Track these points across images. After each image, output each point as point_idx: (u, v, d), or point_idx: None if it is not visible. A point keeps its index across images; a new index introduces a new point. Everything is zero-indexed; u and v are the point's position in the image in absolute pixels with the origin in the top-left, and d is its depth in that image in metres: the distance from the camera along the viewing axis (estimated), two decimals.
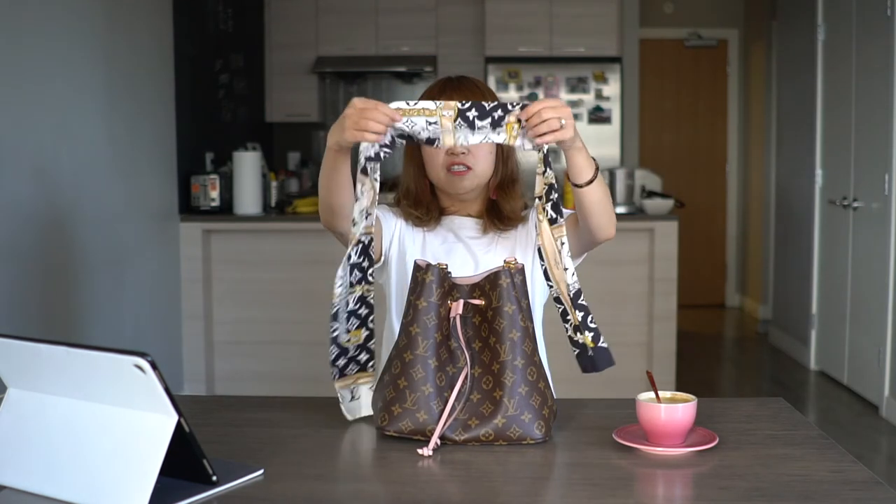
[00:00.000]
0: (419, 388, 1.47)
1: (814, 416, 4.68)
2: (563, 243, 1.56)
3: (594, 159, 1.64)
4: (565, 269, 1.56)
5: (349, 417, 1.62)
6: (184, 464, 1.26)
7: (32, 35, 3.35)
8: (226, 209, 4.77)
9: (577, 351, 1.57)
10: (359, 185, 1.54)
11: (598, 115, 6.64)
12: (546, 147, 1.53)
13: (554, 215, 1.56)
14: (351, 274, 1.58)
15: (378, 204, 1.65)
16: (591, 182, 1.63)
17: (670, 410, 1.44)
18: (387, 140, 1.54)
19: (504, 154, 1.86)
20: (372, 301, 1.62)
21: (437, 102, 1.53)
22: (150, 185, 4.40)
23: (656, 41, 7.56)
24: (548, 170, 1.54)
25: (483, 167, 1.82)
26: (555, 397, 1.56)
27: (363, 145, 1.52)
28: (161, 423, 1.22)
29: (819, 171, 5.48)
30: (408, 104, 1.53)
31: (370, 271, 1.61)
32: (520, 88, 6.55)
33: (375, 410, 1.52)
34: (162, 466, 1.20)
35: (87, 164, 3.79)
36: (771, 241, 6.67)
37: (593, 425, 1.58)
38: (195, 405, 1.79)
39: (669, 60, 7.71)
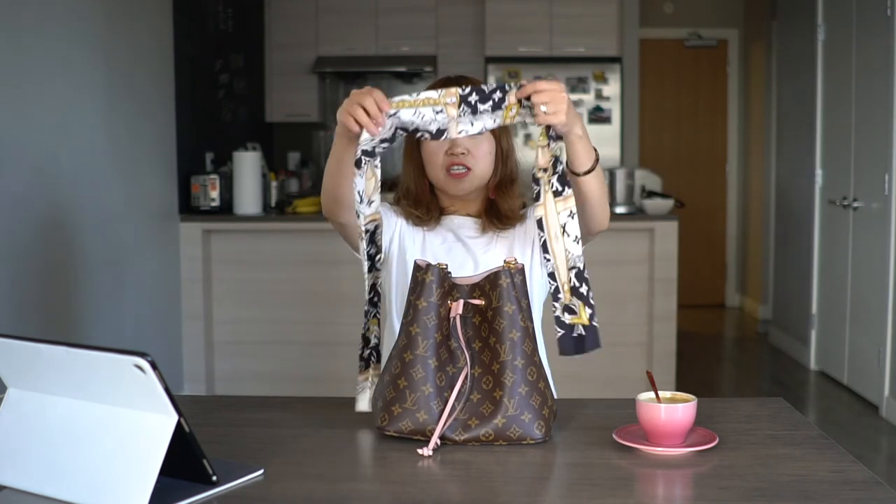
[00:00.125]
0: (419, 388, 1.47)
1: (814, 416, 4.68)
2: (571, 214, 1.54)
3: (595, 150, 1.64)
4: (575, 241, 1.54)
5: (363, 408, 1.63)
6: (184, 464, 1.26)
7: (32, 35, 3.35)
8: (226, 209, 4.77)
9: (562, 332, 1.53)
10: (355, 177, 1.56)
11: (598, 115, 6.64)
12: (564, 123, 1.52)
13: (559, 187, 1.54)
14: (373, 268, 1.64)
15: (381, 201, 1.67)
16: (589, 172, 1.62)
17: (670, 410, 1.44)
18: (387, 134, 1.54)
19: (503, 154, 1.86)
20: (380, 289, 1.67)
21: (439, 91, 1.54)
22: (150, 185, 4.40)
23: (656, 41, 7.56)
24: (552, 142, 1.53)
25: (482, 167, 1.82)
26: (555, 397, 1.56)
27: (363, 137, 1.53)
28: (161, 423, 1.22)
29: (819, 171, 5.48)
30: (411, 96, 1.54)
31: (378, 258, 1.64)
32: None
33: (375, 410, 1.52)
34: (162, 466, 1.20)
35: (87, 164, 3.79)
36: (771, 241, 6.67)
37: (593, 425, 1.58)
38: (195, 405, 1.79)
39: (669, 60, 7.71)
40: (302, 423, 1.60)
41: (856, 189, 4.94)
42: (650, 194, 4.85)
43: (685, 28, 7.69)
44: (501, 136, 1.86)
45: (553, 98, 1.49)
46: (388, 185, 2.05)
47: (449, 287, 1.53)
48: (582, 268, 1.54)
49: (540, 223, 1.55)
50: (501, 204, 1.86)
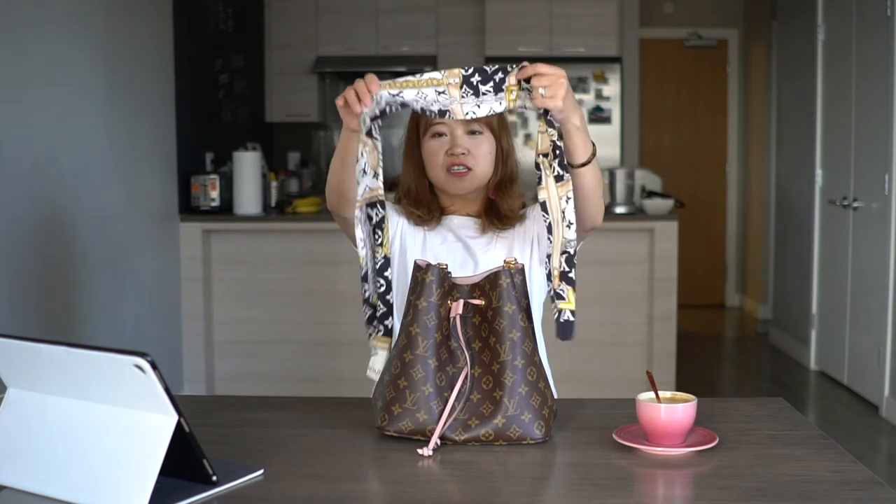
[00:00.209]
0: (419, 388, 1.47)
1: (814, 416, 4.68)
2: (568, 199, 1.55)
3: (593, 144, 1.64)
4: (568, 226, 1.55)
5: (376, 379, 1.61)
6: (184, 464, 1.26)
7: (32, 35, 3.35)
8: (226, 209, 4.77)
9: (556, 314, 1.55)
10: (360, 146, 1.57)
11: (598, 115, 6.64)
12: (563, 110, 1.52)
13: (560, 172, 1.55)
14: (374, 234, 1.61)
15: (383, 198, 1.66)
16: (585, 164, 1.62)
17: (670, 410, 1.44)
18: (377, 110, 1.55)
19: (503, 154, 1.86)
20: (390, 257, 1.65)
21: (443, 72, 1.55)
22: (150, 185, 4.40)
23: (656, 41, 7.56)
24: (550, 128, 1.54)
25: (483, 167, 1.82)
26: (555, 397, 1.56)
27: (363, 115, 1.55)
28: (161, 423, 1.22)
29: (819, 171, 5.48)
30: (415, 77, 1.55)
31: (383, 228, 1.61)
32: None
33: (375, 410, 1.52)
34: (162, 466, 1.20)
35: (87, 164, 3.79)
36: (771, 241, 6.67)
37: (593, 425, 1.58)
38: (195, 405, 1.79)
39: (669, 60, 7.71)
40: (302, 423, 1.60)
41: (856, 189, 4.94)
42: (650, 194, 4.85)
43: (685, 28, 7.69)
44: (502, 135, 1.86)
45: (552, 82, 1.50)
46: (388, 185, 2.05)
47: (449, 287, 1.53)
48: (572, 253, 1.56)
49: (544, 206, 1.56)
50: (501, 204, 1.86)
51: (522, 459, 1.42)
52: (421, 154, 1.86)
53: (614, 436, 1.48)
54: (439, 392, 1.48)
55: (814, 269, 5.54)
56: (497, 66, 1.54)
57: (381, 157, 1.59)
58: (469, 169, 1.81)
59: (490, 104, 1.54)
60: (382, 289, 1.62)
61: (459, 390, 1.48)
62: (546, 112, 1.53)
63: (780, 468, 1.37)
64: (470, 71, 1.54)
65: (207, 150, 5.12)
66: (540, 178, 1.56)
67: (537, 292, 1.84)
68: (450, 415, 1.47)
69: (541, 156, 1.55)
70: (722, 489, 1.30)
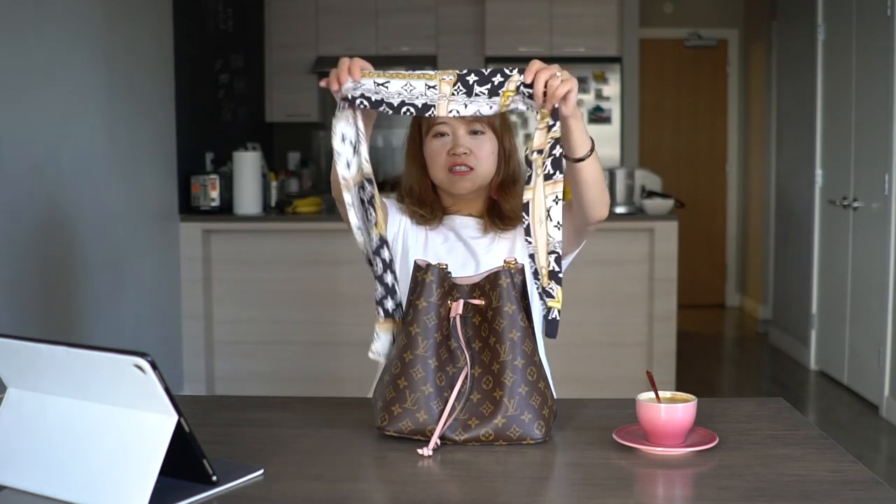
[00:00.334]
0: (419, 388, 1.47)
1: (814, 416, 4.68)
2: (556, 199, 1.53)
3: (591, 138, 1.64)
4: (556, 226, 1.53)
5: (377, 360, 1.59)
6: (184, 464, 1.26)
7: (32, 35, 3.35)
8: (226, 209, 4.77)
9: (546, 312, 1.55)
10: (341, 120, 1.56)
11: (598, 115, 6.64)
12: (556, 105, 1.50)
13: (552, 170, 1.52)
14: (366, 216, 1.58)
15: (386, 196, 1.66)
16: (587, 156, 1.62)
17: (670, 410, 1.44)
18: (359, 91, 1.54)
19: (506, 154, 1.86)
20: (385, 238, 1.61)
21: (437, 70, 1.54)
22: (150, 185, 4.40)
23: (656, 41, 7.56)
24: (556, 125, 1.51)
25: (485, 167, 1.83)
26: (555, 397, 1.56)
27: (346, 87, 1.55)
28: (161, 423, 1.22)
29: (819, 171, 5.48)
30: (407, 70, 1.54)
31: (377, 201, 1.58)
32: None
33: (375, 410, 1.52)
34: (162, 466, 1.20)
35: (87, 164, 3.79)
36: (771, 241, 6.67)
37: (593, 425, 1.58)
38: (195, 405, 1.79)
39: (669, 60, 7.71)
40: (302, 423, 1.60)
41: (856, 189, 4.94)
42: (650, 194, 4.85)
43: (685, 28, 7.69)
44: (504, 135, 1.86)
45: (564, 76, 1.50)
46: (389, 185, 2.05)
47: (449, 287, 1.53)
48: (560, 253, 1.55)
49: (526, 207, 1.54)
50: (504, 204, 1.86)
51: (522, 459, 1.42)
52: (423, 154, 1.86)
53: (614, 436, 1.48)
54: (439, 392, 1.48)
55: (814, 269, 5.54)
56: (495, 69, 1.52)
57: (361, 134, 1.56)
58: (471, 168, 1.81)
59: (479, 106, 1.52)
60: (379, 270, 1.59)
61: (459, 390, 1.49)
62: (557, 109, 1.50)
63: (780, 468, 1.37)
64: (465, 71, 1.53)
65: (207, 150, 5.12)
66: (530, 178, 1.53)
67: (538, 292, 1.84)
68: (450, 415, 1.47)
69: (535, 152, 1.52)
70: (722, 489, 1.30)
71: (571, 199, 1.73)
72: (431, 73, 1.53)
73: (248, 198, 4.72)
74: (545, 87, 1.50)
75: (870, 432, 4.34)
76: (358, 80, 1.54)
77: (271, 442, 1.50)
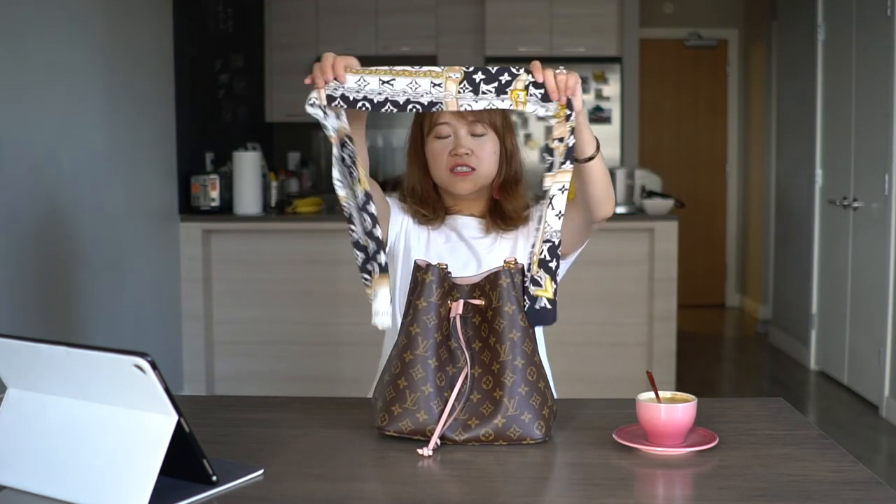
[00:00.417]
0: (419, 388, 1.47)
1: (814, 416, 4.68)
2: (563, 189, 1.51)
3: (596, 137, 1.64)
4: (558, 215, 1.52)
5: (384, 324, 1.54)
6: (184, 464, 1.26)
7: (32, 35, 3.35)
8: (226, 209, 4.77)
9: (528, 304, 1.52)
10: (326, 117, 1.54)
11: (598, 115, 6.63)
12: (577, 102, 1.50)
13: (563, 160, 1.51)
14: (351, 174, 1.56)
15: (389, 195, 1.64)
16: (595, 155, 1.62)
17: (670, 410, 1.44)
18: (361, 97, 1.51)
19: (507, 154, 1.86)
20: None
21: (443, 67, 1.53)
22: (150, 185, 4.40)
23: (656, 41, 7.56)
24: (573, 115, 1.50)
25: (486, 168, 1.82)
26: (555, 397, 1.56)
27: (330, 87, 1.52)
28: (161, 423, 1.22)
29: (819, 171, 5.48)
30: (412, 67, 1.53)
31: (356, 163, 1.57)
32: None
33: (375, 410, 1.52)
34: (162, 466, 1.20)
35: (87, 164, 3.79)
36: (771, 241, 6.67)
37: (593, 425, 1.58)
38: (195, 405, 1.79)
39: (669, 60, 7.71)
40: (302, 423, 1.60)
41: (856, 189, 4.94)
42: (650, 194, 4.85)
43: (685, 28, 7.69)
44: (506, 136, 1.86)
45: (570, 77, 1.50)
46: (391, 185, 2.05)
47: (449, 287, 1.53)
48: (557, 243, 1.52)
49: (545, 194, 1.52)
50: (506, 205, 1.86)
51: (522, 459, 1.42)
52: (425, 154, 1.86)
53: (614, 436, 1.48)
54: (439, 392, 1.48)
55: (814, 269, 5.54)
56: (501, 67, 1.52)
57: (343, 122, 1.55)
58: (473, 169, 1.81)
59: (490, 101, 1.51)
60: (368, 224, 1.56)
61: (459, 390, 1.48)
62: (568, 103, 1.50)
63: (780, 468, 1.37)
64: (472, 68, 1.52)
65: (207, 150, 5.12)
66: (551, 165, 1.52)
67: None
68: (450, 415, 1.47)
69: (556, 140, 1.51)
70: (722, 489, 1.30)
71: (576, 198, 1.73)
72: (437, 69, 1.52)
73: (248, 198, 4.72)
74: (555, 81, 1.49)
75: (870, 432, 4.34)
76: (343, 79, 1.52)
77: (271, 442, 1.50)
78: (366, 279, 1.59)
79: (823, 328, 5.46)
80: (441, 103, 1.52)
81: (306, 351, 4.74)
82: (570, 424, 1.58)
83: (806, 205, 5.67)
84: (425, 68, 1.53)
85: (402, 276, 1.85)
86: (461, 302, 1.51)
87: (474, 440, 1.47)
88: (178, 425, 1.22)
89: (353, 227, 1.59)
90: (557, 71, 1.51)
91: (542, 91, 1.50)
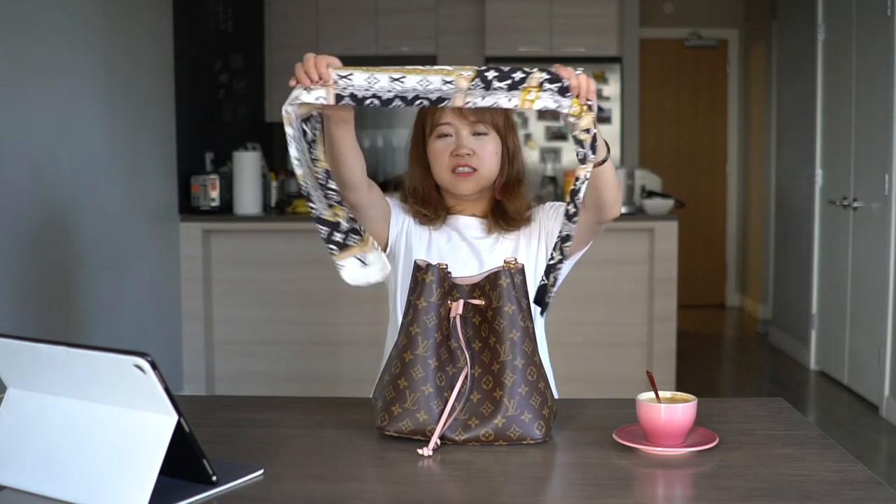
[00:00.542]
0: (419, 388, 1.47)
1: (814, 416, 4.68)
2: (585, 180, 1.52)
3: (605, 141, 1.65)
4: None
5: (359, 282, 1.63)
6: (184, 464, 1.26)
7: (32, 35, 3.35)
8: (226, 209, 4.77)
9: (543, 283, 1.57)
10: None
11: (598, 115, 6.62)
12: (594, 103, 1.52)
13: (588, 152, 1.53)
14: (310, 152, 1.57)
15: (389, 196, 1.65)
16: (607, 159, 1.64)
17: (670, 410, 1.44)
18: (370, 95, 1.52)
19: (509, 155, 1.86)
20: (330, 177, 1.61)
21: (456, 66, 1.53)
22: (150, 186, 4.40)
23: (656, 41, 7.56)
24: (594, 109, 1.53)
25: (488, 168, 1.82)
26: (555, 397, 1.56)
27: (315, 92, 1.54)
28: (161, 423, 1.22)
29: (819, 171, 5.48)
30: (424, 67, 1.54)
31: (316, 135, 1.58)
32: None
33: (375, 410, 1.52)
34: (162, 466, 1.20)
35: (88, 165, 3.79)
36: (771, 241, 6.67)
37: (593, 425, 1.58)
38: (195, 405, 1.79)
39: (669, 60, 7.71)
40: (302, 423, 1.60)
41: (856, 189, 4.94)
42: (650, 194, 4.85)
43: (685, 28, 7.69)
44: (508, 136, 1.86)
45: (585, 83, 1.52)
46: (392, 185, 2.06)
47: (449, 287, 1.53)
48: (562, 238, 1.56)
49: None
50: (508, 205, 1.86)
51: (522, 459, 1.42)
52: (426, 154, 1.86)
53: (614, 436, 1.48)
54: (439, 392, 1.48)
55: (814, 269, 5.54)
56: (514, 67, 1.52)
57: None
58: (474, 170, 1.81)
59: (497, 99, 1.51)
60: (335, 198, 1.59)
61: (459, 390, 1.48)
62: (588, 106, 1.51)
63: (780, 468, 1.37)
64: (484, 67, 1.52)
65: (207, 150, 5.12)
66: (584, 157, 1.52)
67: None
68: (450, 415, 1.47)
69: (583, 131, 1.51)
70: (722, 489, 1.30)
71: (585, 199, 1.73)
72: (449, 68, 1.52)
73: (248, 198, 4.72)
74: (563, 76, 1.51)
75: (870, 432, 4.34)
76: (327, 78, 1.53)
77: (271, 442, 1.50)
78: (331, 249, 1.63)
79: (823, 328, 5.46)
80: (448, 99, 1.52)
81: (306, 351, 4.74)
82: (570, 424, 1.58)
83: (806, 205, 5.67)
84: (437, 67, 1.53)
85: (402, 277, 1.85)
86: (461, 302, 1.51)
87: (474, 440, 1.47)
88: (178, 425, 1.22)
89: (311, 204, 1.60)
90: (577, 72, 1.53)
91: (559, 87, 1.50)
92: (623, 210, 4.80)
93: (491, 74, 1.51)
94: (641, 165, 6.49)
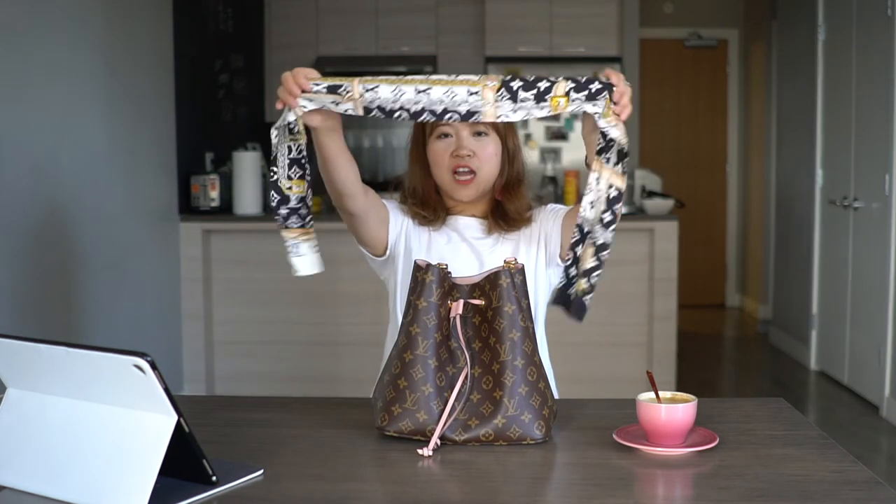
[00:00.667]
0: (419, 389, 1.47)
1: (814, 416, 4.68)
2: (610, 185, 1.60)
3: None
4: (592, 204, 1.62)
5: (294, 271, 1.72)
6: (184, 464, 1.26)
7: (32, 35, 3.35)
8: (226, 209, 4.77)
9: (565, 290, 1.58)
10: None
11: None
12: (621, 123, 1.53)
13: (614, 158, 1.56)
14: (290, 132, 1.61)
15: (388, 197, 1.66)
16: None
17: (670, 410, 1.44)
18: (398, 107, 1.53)
19: (510, 155, 1.86)
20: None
21: (480, 76, 1.53)
22: (150, 186, 4.40)
23: (656, 41, 7.56)
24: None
25: (488, 170, 1.82)
26: (555, 397, 1.56)
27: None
28: (161, 423, 1.22)
29: (819, 171, 5.48)
30: (448, 76, 1.52)
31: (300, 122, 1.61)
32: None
33: (375, 410, 1.52)
34: (162, 466, 1.20)
35: (87, 165, 3.79)
36: (771, 241, 6.67)
37: (593, 425, 1.58)
38: (195, 405, 1.79)
39: (669, 60, 7.71)
40: (302, 423, 1.60)
41: (856, 189, 4.94)
42: (650, 194, 4.85)
43: (685, 28, 7.69)
44: (508, 136, 1.86)
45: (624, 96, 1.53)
46: (392, 186, 2.06)
47: (449, 287, 1.53)
48: (599, 245, 1.66)
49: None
50: (508, 206, 1.86)
51: (522, 459, 1.42)
52: (426, 155, 1.85)
53: (614, 436, 1.48)
54: (439, 392, 1.48)
55: (814, 269, 5.54)
56: (538, 77, 1.51)
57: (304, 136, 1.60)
58: (474, 174, 1.81)
59: (528, 110, 1.51)
60: (300, 172, 1.67)
61: (459, 390, 1.48)
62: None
63: (780, 468, 1.37)
64: (510, 77, 1.51)
65: (207, 150, 5.12)
66: (619, 162, 1.55)
67: (540, 292, 1.84)
68: (450, 415, 1.47)
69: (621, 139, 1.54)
70: (722, 489, 1.30)
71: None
72: (474, 78, 1.51)
73: (247, 198, 4.72)
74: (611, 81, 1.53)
75: (870, 432, 4.34)
76: (308, 88, 1.55)
77: (271, 442, 1.50)
78: (276, 218, 1.72)
79: (823, 328, 5.46)
80: (479, 112, 1.52)
81: (306, 351, 4.74)
82: (570, 424, 1.58)
83: (806, 205, 5.67)
84: (461, 77, 1.52)
85: (402, 277, 1.85)
86: (461, 302, 1.51)
87: (474, 440, 1.46)
88: (178, 425, 1.22)
89: (273, 167, 1.65)
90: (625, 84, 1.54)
91: (585, 95, 1.50)
92: (623, 210, 4.82)
93: (516, 85, 1.50)
94: (641, 165, 6.49)
